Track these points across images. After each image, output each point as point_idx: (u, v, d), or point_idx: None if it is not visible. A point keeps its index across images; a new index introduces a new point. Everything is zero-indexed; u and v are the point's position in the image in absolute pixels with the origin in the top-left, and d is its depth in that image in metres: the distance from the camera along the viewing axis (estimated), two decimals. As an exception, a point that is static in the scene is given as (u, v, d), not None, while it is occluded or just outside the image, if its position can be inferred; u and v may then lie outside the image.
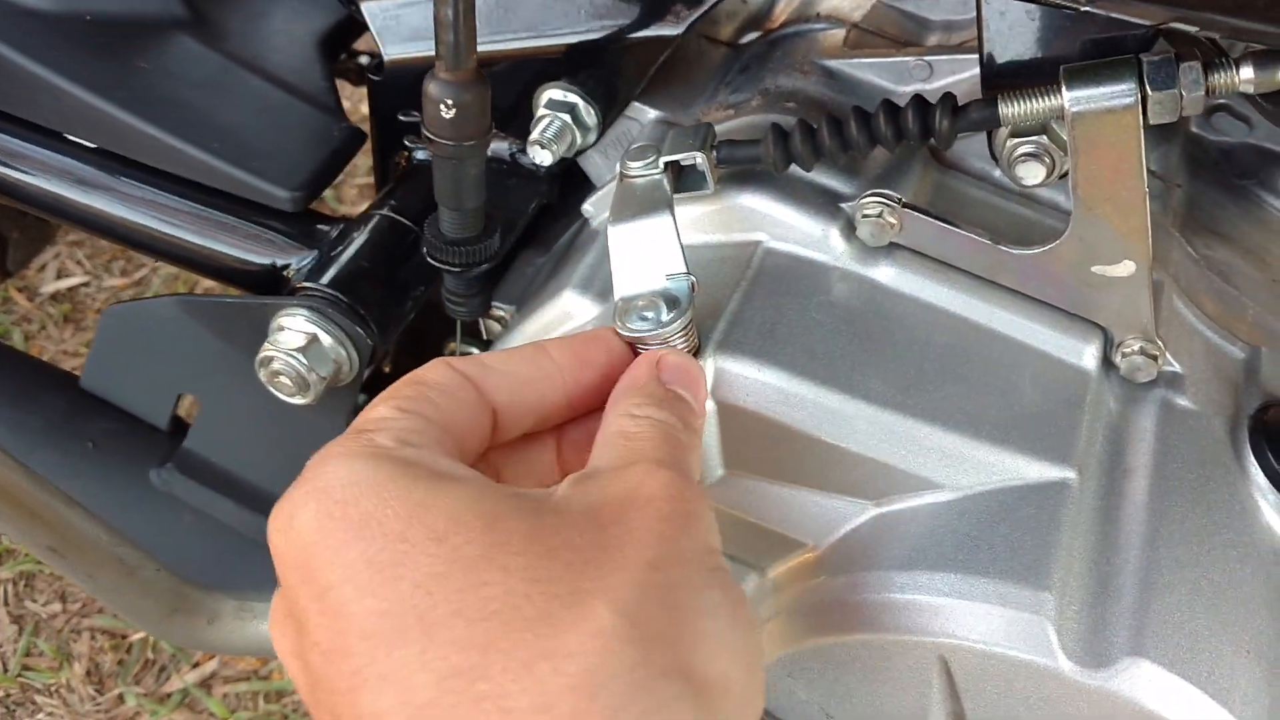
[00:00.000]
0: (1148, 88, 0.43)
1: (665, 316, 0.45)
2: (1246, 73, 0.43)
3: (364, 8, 0.61)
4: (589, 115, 0.57)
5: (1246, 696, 0.42)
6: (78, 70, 0.60)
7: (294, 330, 0.54)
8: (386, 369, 0.81)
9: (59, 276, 1.27)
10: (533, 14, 0.57)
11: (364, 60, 0.71)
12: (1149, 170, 0.59)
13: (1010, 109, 0.45)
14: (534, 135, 0.56)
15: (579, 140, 0.57)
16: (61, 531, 0.44)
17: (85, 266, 1.28)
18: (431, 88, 0.50)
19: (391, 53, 0.60)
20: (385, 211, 0.60)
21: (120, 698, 1.01)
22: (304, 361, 0.54)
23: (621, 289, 0.46)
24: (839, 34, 0.58)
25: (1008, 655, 0.42)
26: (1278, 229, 0.62)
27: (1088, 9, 0.42)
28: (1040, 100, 0.45)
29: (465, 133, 0.50)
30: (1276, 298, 0.58)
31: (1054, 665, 0.41)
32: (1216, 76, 0.43)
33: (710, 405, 0.47)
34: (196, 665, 1.04)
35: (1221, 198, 0.62)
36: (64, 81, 0.59)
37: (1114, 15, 0.42)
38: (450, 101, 0.49)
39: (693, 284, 0.46)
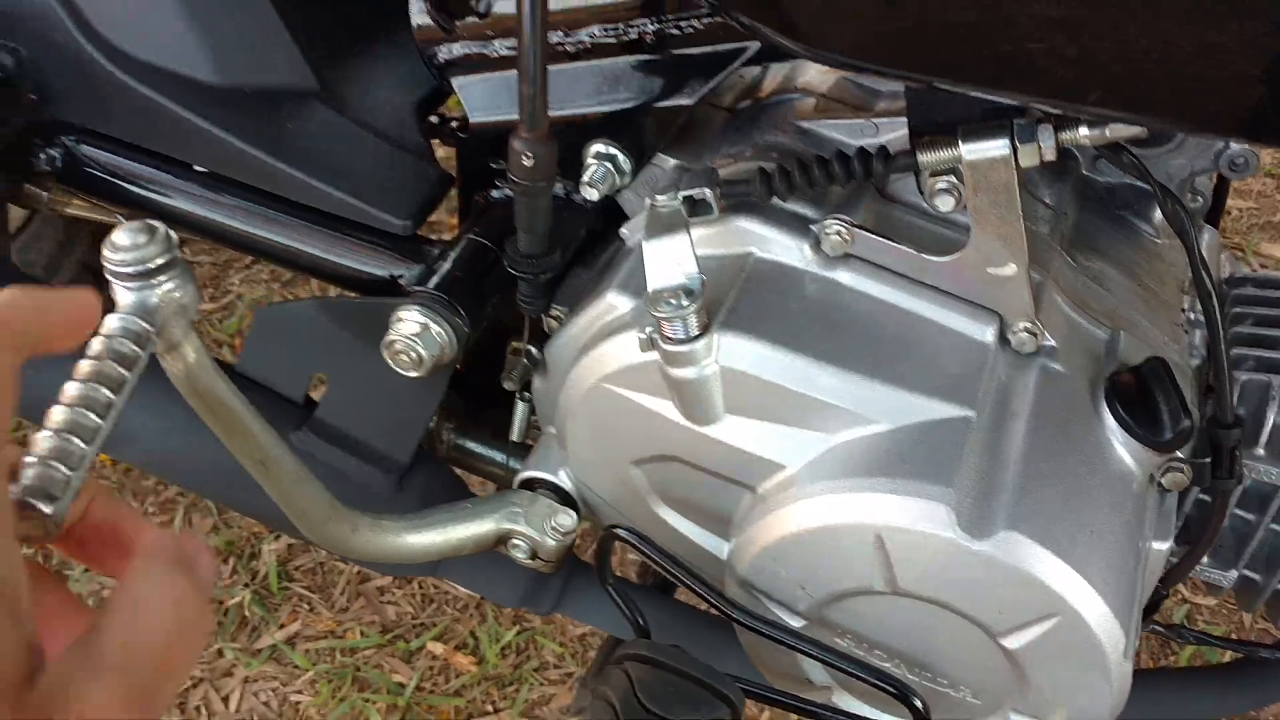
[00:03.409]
0: (1017, 142, 0.63)
1: (685, 302, 0.64)
2: (1084, 131, 0.63)
3: (454, 82, 0.81)
4: (625, 163, 0.76)
5: (1087, 561, 0.61)
6: (241, 128, 0.80)
7: (411, 320, 0.73)
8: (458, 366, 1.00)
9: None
10: (583, 89, 0.77)
11: (453, 124, 0.91)
12: (1044, 202, 0.79)
13: (924, 158, 0.65)
14: (584, 178, 0.75)
15: (617, 182, 0.76)
16: (268, 450, 0.63)
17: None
18: (515, 143, 0.69)
19: (475, 118, 0.80)
20: (471, 236, 0.80)
21: (220, 652, 1.19)
22: (419, 344, 0.73)
23: (653, 284, 0.66)
24: (811, 102, 0.78)
25: (921, 531, 0.60)
26: (1146, 248, 0.82)
27: (976, 93, 0.62)
28: (945, 151, 0.64)
29: (539, 176, 0.70)
30: (1139, 297, 0.77)
31: (952, 537, 0.60)
32: (1065, 134, 0.63)
33: (716, 366, 0.66)
34: (283, 626, 1.22)
35: (1103, 224, 0.81)
36: (231, 137, 0.79)
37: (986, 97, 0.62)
38: (529, 153, 0.69)
39: (703, 281, 0.65)
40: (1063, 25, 0.52)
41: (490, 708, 1.17)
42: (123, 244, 0.50)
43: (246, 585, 1.24)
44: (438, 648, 1.20)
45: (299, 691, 1.17)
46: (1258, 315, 0.77)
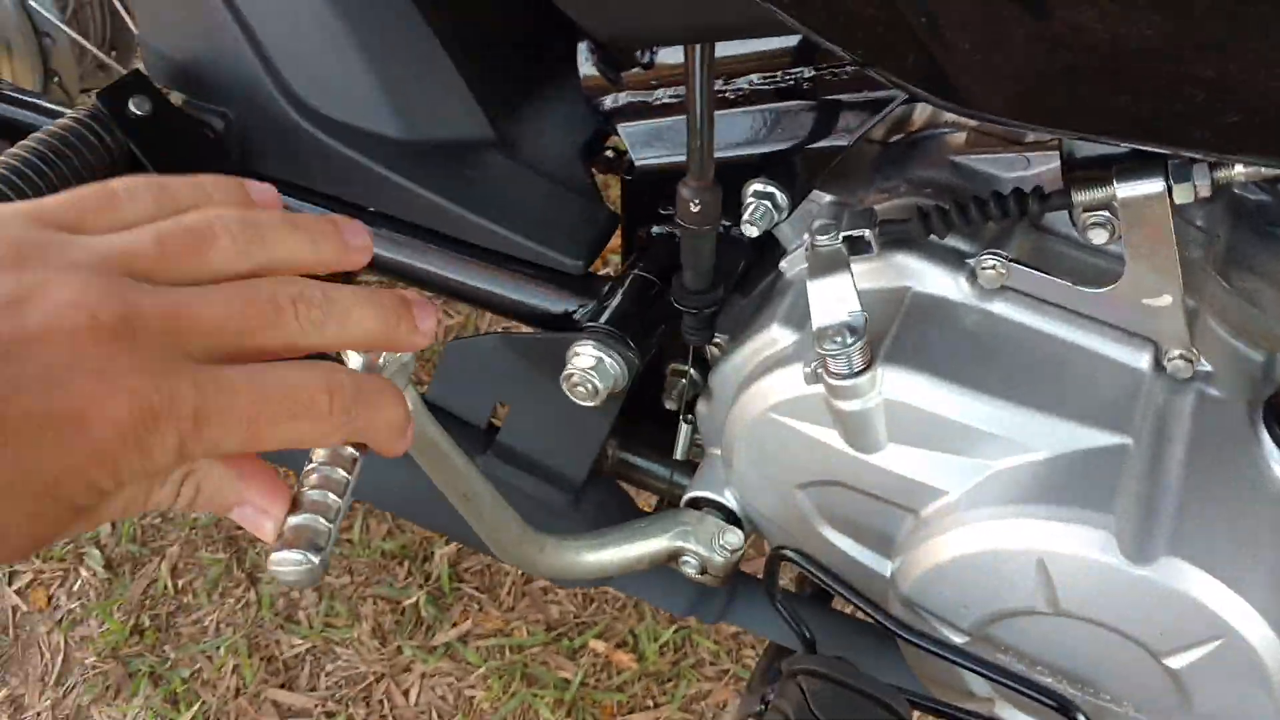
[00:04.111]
0: (1171, 181, 0.65)
1: (849, 339, 0.69)
2: (1239, 169, 0.64)
3: (620, 128, 0.86)
4: (782, 200, 0.80)
5: (1249, 584, 0.63)
6: (425, 178, 0.87)
7: (586, 355, 0.79)
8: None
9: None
10: (743, 133, 0.81)
11: (610, 154, 0.96)
12: (1195, 225, 0.80)
13: (1079, 196, 0.67)
14: (745, 217, 0.80)
15: (775, 218, 0.81)
16: (471, 484, 0.70)
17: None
18: (684, 191, 0.74)
19: (640, 161, 0.85)
20: (637, 271, 0.85)
21: (398, 649, 1.28)
22: (594, 376, 0.79)
23: (818, 323, 0.70)
24: (962, 135, 0.81)
25: (1083, 556, 0.64)
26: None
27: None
28: (1099, 190, 0.66)
29: (705, 220, 0.75)
30: (1298, 316, 0.78)
31: (1115, 562, 0.63)
32: (1219, 172, 0.65)
33: (879, 399, 0.70)
34: (455, 625, 1.31)
35: (1256, 241, 0.82)
36: (416, 186, 0.86)
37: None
38: (697, 200, 0.74)
39: (865, 318, 0.69)
40: (1218, 79, 0.54)
41: (650, 703, 1.23)
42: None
43: (421, 586, 1.33)
44: (599, 645, 1.27)
45: (472, 687, 1.25)
46: None
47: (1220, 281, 0.76)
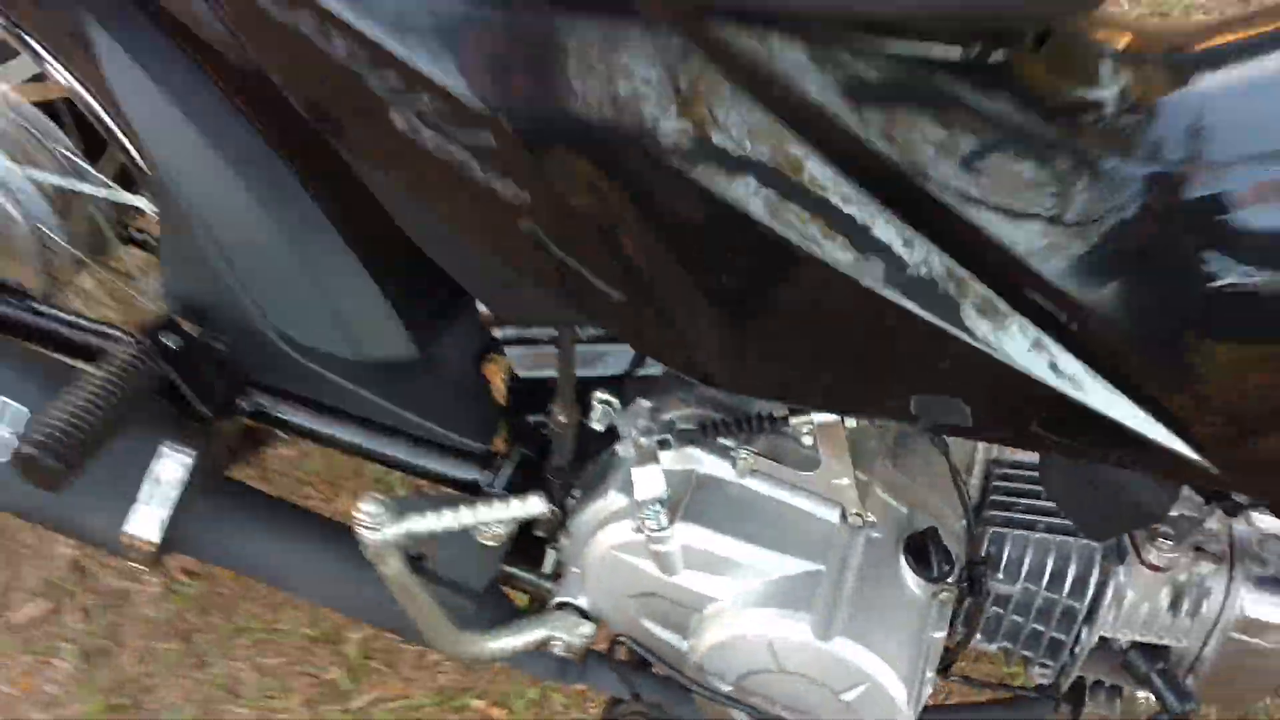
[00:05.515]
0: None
1: (658, 508, 1.12)
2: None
3: (506, 350, 1.27)
4: (616, 404, 1.23)
5: (892, 660, 1.08)
6: (370, 384, 1.26)
7: (489, 512, 1.20)
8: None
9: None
10: (594, 361, 1.24)
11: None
12: (874, 423, 1.27)
13: (793, 420, 1.13)
14: (594, 417, 1.23)
15: (614, 417, 1.24)
16: (424, 603, 1.09)
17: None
18: (555, 409, 1.16)
19: (521, 373, 1.27)
20: (520, 450, 1.27)
21: (324, 714, 1.64)
22: (499, 527, 1.20)
23: (638, 497, 1.13)
24: (730, 363, 1.26)
25: (794, 638, 1.08)
26: (937, 443, 1.30)
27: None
28: (803, 415, 1.12)
29: (569, 428, 1.17)
30: (929, 480, 1.26)
31: (811, 641, 1.07)
32: (870, 408, 1.11)
33: (678, 544, 1.13)
34: (367, 692, 1.67)
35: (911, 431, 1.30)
36: (364, 390, 1.26)
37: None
38: (563, 417, 1.16)
39: (669, 493, 1.12)
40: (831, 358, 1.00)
41: (519, 744, 1.63)
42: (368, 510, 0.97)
43: (336, 663, 1.69)
44: (478, 703, 1.66)
45: (381, 741, 1.62)
46: (1007, 487, 1.27)
47: (887, 460, 1.23)
